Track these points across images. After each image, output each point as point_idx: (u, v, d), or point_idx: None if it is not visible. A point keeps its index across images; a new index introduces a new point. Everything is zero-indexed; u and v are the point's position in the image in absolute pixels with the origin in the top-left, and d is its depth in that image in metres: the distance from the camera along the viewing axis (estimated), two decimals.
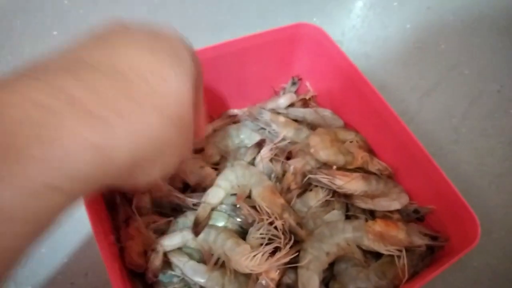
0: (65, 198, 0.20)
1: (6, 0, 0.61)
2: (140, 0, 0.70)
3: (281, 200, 0.46)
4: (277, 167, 0.52)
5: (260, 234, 0.44)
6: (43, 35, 0.63)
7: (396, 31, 0.79)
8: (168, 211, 0.50)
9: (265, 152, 0.52)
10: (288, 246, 0.42)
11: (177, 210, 0.50)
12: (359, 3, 0.82)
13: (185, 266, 0.44)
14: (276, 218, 0.44)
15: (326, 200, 0.49)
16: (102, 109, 0.21)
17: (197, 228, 0.45)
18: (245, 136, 0.56)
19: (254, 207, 0.47)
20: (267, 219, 0.44)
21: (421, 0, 0.80)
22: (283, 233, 0.43)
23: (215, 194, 0.47)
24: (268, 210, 0.45)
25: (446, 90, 0.72)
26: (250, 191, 0.48)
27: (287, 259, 0.41)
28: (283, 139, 0.55)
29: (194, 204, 0.48)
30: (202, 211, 0.46)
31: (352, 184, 0.47)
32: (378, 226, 0.45)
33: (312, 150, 0.51)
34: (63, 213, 0.21)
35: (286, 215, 0.45)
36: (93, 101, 0.21)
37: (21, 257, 0.20)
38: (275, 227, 0.44)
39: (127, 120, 0.22)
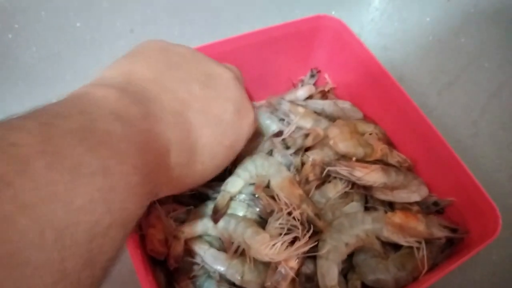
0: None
1: None
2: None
3: (300, 191, 0.46)
4: (296, 159, 0.52)
5: (279, 224, 0.44)
6: (67, 26, 0.64)
7: (415, 24, 0.78)
8: (187, 199, 0.50)
9: (278, 140, 0.52)
10: (307, 236, 0.43)
11: (197, 198, 0.50)
12: None
13: (205, 253, 0.45)
14: (294, 208, 0.45)
15: (345, 192, 0.49)
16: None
17: (215, 215, 0.45)
18: (262, 122, 0.57)
19: (272, 197, 0.47)
20: (285, 209, 0.45)
21: None
22: (301, 224, 0.43)
23: (234, 183, 0.48)
24: (287, 201, 0.45)
25: (465, 84, 0.72)
26: (269, 182, 0.49)
27: (306, 248, 0.42)
28: (300, 128, 0.55)
29: (213, 193, 0.48)
30: (221, 199, 0.47)
31: (372, 176, 0.47)
32: (397, 217, 0.45)
33: (331, 142, 0.51)
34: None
35: (304, 206, 0.45)
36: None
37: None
38: (294, 218, 0.44)
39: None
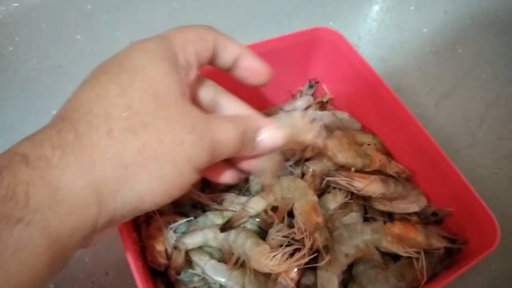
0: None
1: (32, 4, 0.63)
2: (160, 4, 0.71)
3: (318, 219, 0.45)
4: (297, 170, 0.52)
5: (281, 236, 0.44)
6: (67, 39, 0.64)
7: (412, 35, 0.79)
8: (187, 210, 0.50)
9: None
10: (306, 247, 0.43)
11: (197, 209, 0.50)
12: (375, 7, 0.83)
13: (206, 265, 0.45)
14: (306, 236, 0.44)
15: (344, 203, 0.50)
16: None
17: (225, 226, 0.45)
18: None
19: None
20: (299, 234, 0.44)
21: (438, 5, 0.80)
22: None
23: (257, 204, 0.47)
24: (302, 226, 0.45)
25: (463, 94, 0.72)
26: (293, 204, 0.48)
27: (306, 260, 0.42)
28: None
29: (218, 203, 0.48)
30: (237, 215, 0.46)
31: (371, 186, 0.48)
32: (396, 228, 0.45)
33: (329, 153, 0.52)
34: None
35: (316, 235, 0.44)
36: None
37: None
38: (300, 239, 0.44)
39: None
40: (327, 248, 0.44)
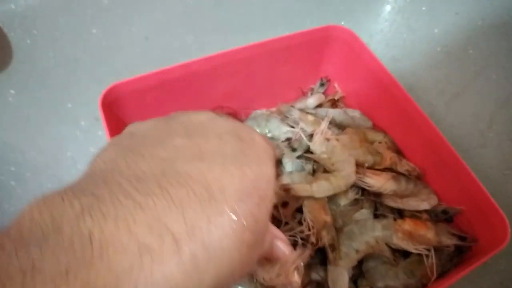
0: None
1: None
2: (175, 1, 0.72)
3: (327, 218, 0.46)
4: (307, 166, 0.52)
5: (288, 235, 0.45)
6: (83, 32, 0.65)
7: (424, 35, 0.79)
8: None
9: (319, 135, 0.52)
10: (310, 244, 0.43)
11: None
12: (387, 7, 0.83)
13: None
14: (313, 233, 0.45)
15: (355, 199, 0.50)
16: (195, 243, 0.19)
17: None
18: (274, 127, 0.57)
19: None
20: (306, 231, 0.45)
21: (450, 5, 0.80)
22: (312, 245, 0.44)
23: None
24: (310, 223, 0.46)
25: (473, 95, 0.72)
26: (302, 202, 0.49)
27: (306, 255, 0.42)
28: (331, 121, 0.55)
29: None
30: None
31: (382, 183, 0.48)
32: (407, 225, 0.45)
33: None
34: None
35: (323, 233, 0.45)
36: (187, 234, 0.19)
37: None
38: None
39: (215, 252, 0.20)
40: (333, 247, 0.45)
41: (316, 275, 0.45)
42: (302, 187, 0.47)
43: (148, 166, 0.21)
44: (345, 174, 0.48)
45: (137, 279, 0.16)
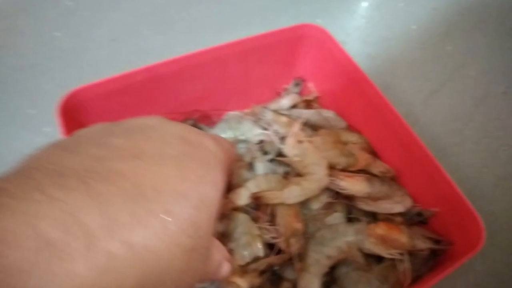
0: None
1: (8, 0, 0.61)
2: (144, 1, 0.69)
3: (298, 225, 0.45)
4: (279, 169, 0.51)
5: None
6: (45, 36, 0.63)
7: (401, 32, 0.78)
8: None
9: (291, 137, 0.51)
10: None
11: None
12: (364, 3, 0.82)
13: None
14: (284, 240, 0.44)
15: (328, 202, 0.49)
16: (111, 240, 0.17)
17: None
18: (246, 129, 0.56)
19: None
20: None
21: (428, 1, 0.80)
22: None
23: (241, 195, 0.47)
24: (281, 229, 0.44)
25: (451, 92, 0.72)
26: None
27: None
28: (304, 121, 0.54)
29: None
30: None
31: (356, 185, 0.47)
32: (380, 229, 0.44)
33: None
34: None
35: (292, 241, 0.44)
36: (102, 230, 0.17)
37: None
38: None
39: (137, 251, 0.18)
40: (300, 257, 0.44)
41: (288, 274, 0.44)
42: (272, 195, 0.45)
43: (72, 162, 0.19)
44: (317, 177, 0.47)
45: (29, 277, 0.15)
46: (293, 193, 0.45)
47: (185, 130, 0.26)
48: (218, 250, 0.27)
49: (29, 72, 0.61)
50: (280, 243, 0.43)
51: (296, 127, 0.52)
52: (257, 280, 0.42)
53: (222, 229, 0.45)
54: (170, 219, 0.20)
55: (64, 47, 0.63)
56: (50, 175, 0.18)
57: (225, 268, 0.28)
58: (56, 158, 0.20)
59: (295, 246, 0.43)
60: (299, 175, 0.49)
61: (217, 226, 0.37)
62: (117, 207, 0.18)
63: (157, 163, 0.21)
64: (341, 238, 0.44)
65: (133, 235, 0.18)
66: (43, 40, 0.62)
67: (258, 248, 0.43)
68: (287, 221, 0.44)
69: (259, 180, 0.48)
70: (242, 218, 0.46)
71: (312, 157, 0.49)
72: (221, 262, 0.27)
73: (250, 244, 0.43)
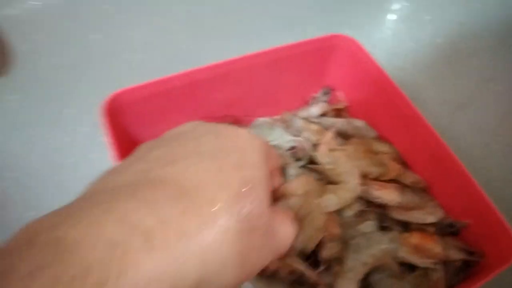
0: None
1: (49, 3, 0.63)
2: (177, 7, 0.71)
3: (336, 230, 0.45)
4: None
5: None
6: (81, 38, 0.64)
7: (427, 44, 0.79)
8: None
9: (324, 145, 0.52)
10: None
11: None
12: (390, 16, 0.83)
13: None
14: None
15: (360, 210, 0.49)
16: (168, 234, 0.19)
17: None
18: (277, 135, 0.56)
19: None
20: None
21: (454, 15, 0.80)
22: None
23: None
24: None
25: (478, 106, 0.72)
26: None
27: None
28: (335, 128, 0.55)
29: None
30: None
31: (388, 195, 0.47)
32: (414, 238, 0.44)
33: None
34: None
35: (331, 245, 0.44)
36: (157, 227, 0.19)
37: None
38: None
39: (193, 241, 0.20)
40: (339, 260, 0.44)
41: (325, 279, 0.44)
42: (312, 203, 0.45)
43: (123, 180, 0.22)
44: (351, 186, 0.47)
45: (108, 269, 0.17)
46: (331, 202, 0.45)
47: (217, 127, 0.27)
48: (284, 223, 0.27)
49: (67, 73, 0.62)
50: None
51: (329, 135, 0.52)
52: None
53: None
54: (216, 207, 0.21)
55: (100, 50, 0.64)
56: (107, 193, 0.21)
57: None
58: (109, 180, 0.23)
59: (333, 250, 0.43)
60: (330, 182, 0.50)
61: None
62: (166, 208, 0.20)
63: (193, 163, 0.23)
64: (376, 246, 0.44)
65: (185, 227, 0.20)
66: (80, 42, 0.64)
67: None
68: (324, 225, 0.45)
69: (298, 181, 0.48)
70: None
71: (345, 166, 0.49)
72: (292, 233, 0.28)
73: None
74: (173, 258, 0.19)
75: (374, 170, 0.51)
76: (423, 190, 0.52)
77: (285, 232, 0.27)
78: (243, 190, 0.23)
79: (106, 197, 0.20)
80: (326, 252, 0.43)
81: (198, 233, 0.20)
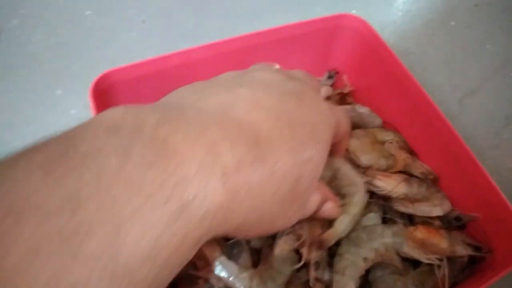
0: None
1: None
2: None
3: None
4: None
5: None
6: (76, 14, 0.61)
7: (439, 28, 0.75)
8: None
9: None
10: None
11: None
12: None
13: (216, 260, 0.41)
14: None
15: None
16: (238, 180, 0.21)
17: None
18: None
19: None
20: None
21: None
22: None
23: None
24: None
25: (489, 92, 0.69)
26: None
27: None
28: None
29: None
30: None
31: (393, 186, 0.45)
32: (419, 232, 0.42)
33: (351, 155, 0.49)
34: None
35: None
36: (234, 169, 0.21)
37: None
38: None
39: (253, 187, 0.22)
40: (317, 264, 0.41)
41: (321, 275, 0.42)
42: (328, 236, 0.42)
43: (211, 103, 0.24)
44: (357, 199, 0.44)
45: (199, 181, 0.19)
46: (345, 223, 0.42)
47: (303, 91, 0.28)
48: (315, 195, 0.30)
49: (58, 50, 0.59)
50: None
51: None
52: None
53: None
54: (276, 168, 0.23)
55: (94, 27, 0.61)
56: (195, 108, 0.23)
57: (329, 206, 0.34)
58: (197, 98, 0.25)
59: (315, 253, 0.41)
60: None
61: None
62: (242, 152, 0.22)
63: (272, 120, 0.24)
64: (378, 240, 0.42)
65: (249, 177, 0.22)
66: (74, 18, 0.61)
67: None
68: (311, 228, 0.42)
69: None
70: None
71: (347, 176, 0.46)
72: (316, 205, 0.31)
73: None
74: (236, 196, 0.21)
75: (383, 163, 0.48)
76: (434, 182, 0.50)
77: (314, 202, 0.30)
78: (304, 164, 0.25)
79: (192, 112, 0.22)
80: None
81: (252, 183, 0.22)
